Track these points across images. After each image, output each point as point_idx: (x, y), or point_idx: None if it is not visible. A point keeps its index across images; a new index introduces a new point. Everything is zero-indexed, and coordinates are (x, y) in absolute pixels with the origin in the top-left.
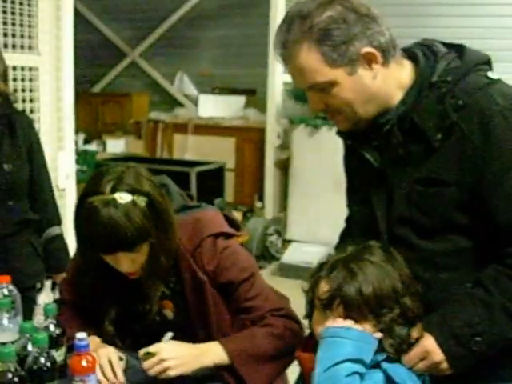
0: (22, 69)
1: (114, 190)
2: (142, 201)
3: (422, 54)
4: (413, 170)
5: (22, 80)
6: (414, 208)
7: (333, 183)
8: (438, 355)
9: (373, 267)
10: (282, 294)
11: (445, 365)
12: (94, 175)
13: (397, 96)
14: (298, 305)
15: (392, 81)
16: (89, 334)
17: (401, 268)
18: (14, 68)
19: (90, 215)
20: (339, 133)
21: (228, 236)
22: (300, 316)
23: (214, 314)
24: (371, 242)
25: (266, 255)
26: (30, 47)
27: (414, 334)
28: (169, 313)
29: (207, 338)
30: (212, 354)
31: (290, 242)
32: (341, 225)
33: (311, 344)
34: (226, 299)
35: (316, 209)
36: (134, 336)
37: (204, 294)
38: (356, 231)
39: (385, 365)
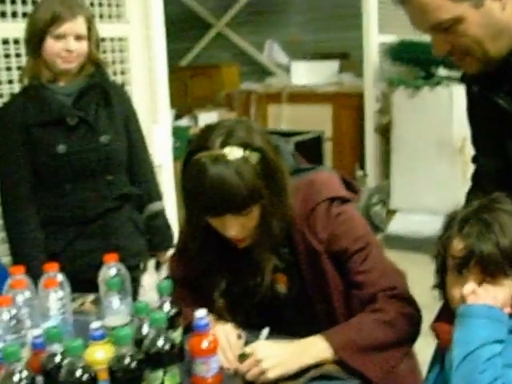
0: (112, 40)
1: (223, 145)
2: (253, 157)
3: None
4: None
5: (112, 51)
6: None
7: (438, 147)
8: None
9: (507, 216)
10: (399, 269)
11: None
12: (203, 130)
13: None
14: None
15: None
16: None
17: None
18: (103, 39)
19: (197, 173)
20: (464, 79)
21: (344, 200)
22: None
23: (332, 285)
24: (497, 193)
25: (370, 226)
26: (117, 16)
27: None
28: (282, 287)
29: (326, 311)
30: (314, 349)
31: (394, 211)
32: (447, 191)
33: (447, 314)
34: (339, 270)
35: (421, 175)
36: (244, 313)
37: (321, 265)
38: (487, 186)
39: None
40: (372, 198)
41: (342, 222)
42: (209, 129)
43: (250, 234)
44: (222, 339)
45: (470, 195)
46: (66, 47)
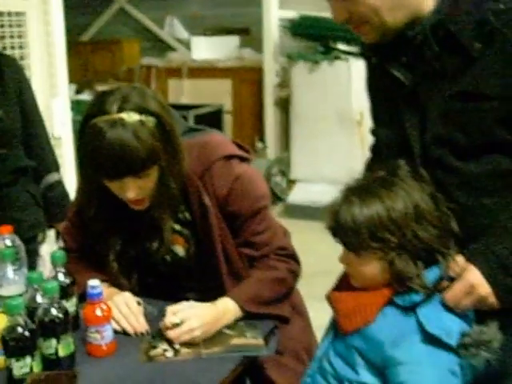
0: (9, 14)
1: (120, 110)
2: (150, 121)
3: None
4: (448, 85)
5: (10, 26)
6: (452, 126)
7: (336, 119)
8: (484, 288)
9: (384, 190)
10: (285, 229)
11: (492, 298)
12: (97, 96)
13: (428, 2)
14: (307, 245)
15: None
16: (101, 282)
17: (419, 195)
18: (1, 14)
19: (95, 137)
20: (363, 52)
21: (241, 159)
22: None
23: (216, 239)
24: (398, 162)
25: (270, 197)
26: None
27: (454, 267)
28: (179, 249)
29: (212, 267)
30: (229, 313)
31: (294, 182)
32: (345, 162)
33: (344, 281)
34: (231, 228)
35: (320, 147)
36: (140, 275)
37: (208, 220)
38: (386, 157)
39: (419, 310)
40: (272, 168)
41: (242, 183)
42: (104, 94)
43: (147, 195)
44: (123, 307)
45: (369, 167)
46: None
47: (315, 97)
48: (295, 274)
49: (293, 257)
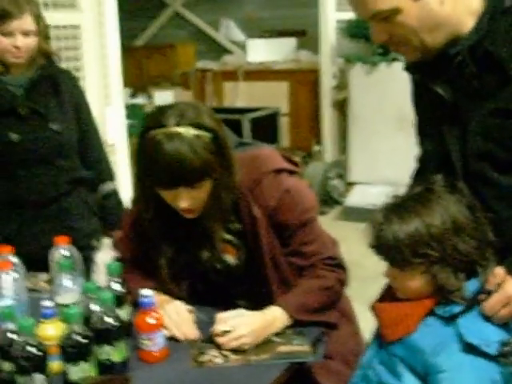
0: (65, 27)
1: (177, 124)
2: (205, 135)
3: None
4: (488, 103)
5: (66, 39)
6: (491, 141)
7: (394, 121)
8: None
9: (420, 207)
10: (333, 239)
11: None
12: (156, 110)
13: (468, 23)
14: (363, 247)
15: (462, 6)
16: (154, 290)
17: (456, 207)
18: (57, 27)
19: (153, 148)
20: (407, 68)
21: (291, 172)
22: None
23: (266, 250)
24: (434, 177)
25: (327, 200)
26: (71, 5)
27: (494, 279)
28: (230, 258)
29: (261, 276)
30: (277, 321)
31: (352, 184)
32: (404, 163)
33: (388, 292)
34: (280, 238)
35: (378, 148)
36: (190, 282)
37: (257, 229)
38: (429, 169)
39: (459, 320)
40: (329, 171)
41: (292, 195)
42: (163, 109)
43: (199, 206)
44: (174, 315)
45: (415, 177)
46: (14, 44)
47: (373, 99)
48: (343, 283)
49: (341, 266)
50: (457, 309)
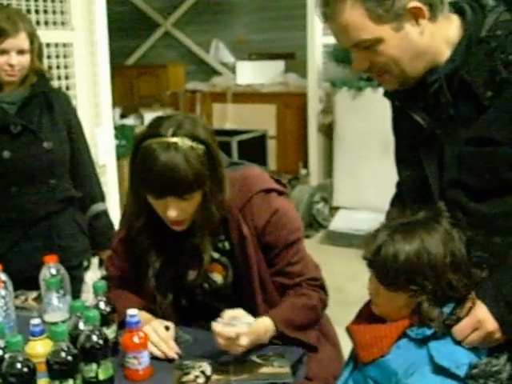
0: (56, 45)
1: (174, 135)
2: (200, 148)
3: (469, 7)
4: (463, 130)
5: (57, 57)
6: (466, 170)
7: (379, 146)
8: (491, 324)
9: (425, 234)
10: (316, 263)
11: (498, 334)
12: (154, 121)
13: (445, 52)
14: (346, 272)
15: (440, 37)
16: (139, 309)
17: (457, 244)
18: (48, 45)
19: (149, 156)
20: (386, 94)
21: (279, 193)
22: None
23: (254, 269)
24: (439, 206)
25: (313, 223)
26: (62, 23)
27: (463, 310)
28: (217, 277)
29: (248, 295)
30: (268, 332)
31: (337, 208)
32: (389, 189)
33: (364, 313)
34: (266, 258)
35: (363, 174)
36: (175, 298)
37: (246, 249)
38: (407, 196)
39: (430, 343)
40: (314, 195)
41: (280, 216)
42: (160, 119)
43: (188, 218)
44: (152, 335)
45: (394, 203)
46: (9, 62)
47: (358, 123)
48: (324, 304)
49: (323, 287)
50: (428, 331)
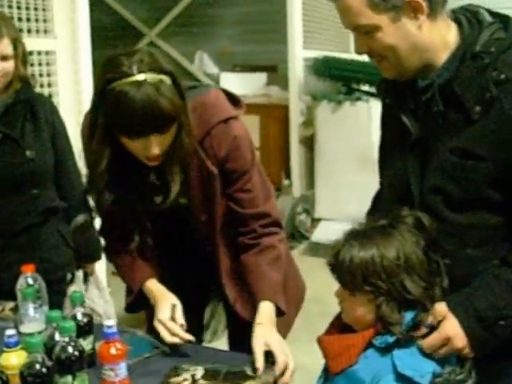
0: (39, 53)
1: (140, 71)
2: (168, 79)
3: (466, 20)
4: (449, 140)
5: (40, 65)
6: (447, 178)
7: (357, 159)
8: (460, 341)
9: (380, 239)
10: (272, 191)
11: (467, 349)
12: (109, 62)
13: (442, 55)
14: (328, 283)
15: (438, 36)
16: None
17: (412, 248)
18: (31, 53)
19: (122, 99)
20: (378, 91)
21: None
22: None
23: (218, 201)
24: (402, 212)
25: (295, 234)
26: (45, 31)
27: (431, 318)
28: (183, 200)
29: (208, 222)
30: (274, 319)
31: (319, 220)
32: (369, 201)
33: (335, 324)
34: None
35: (343, 185)
36: (140, 237)
37: (213, 186)
38: (388, 195)
39: (394, 351)
40: (297, 207)
41: (238, 144)
42: (115, 59)
43: (164, 152)
44: (169, 324)
45: (375, 202)
46: None
47: (338, 136)
48: (284, 242)
49: (277, 223)
50: (391, 339)
